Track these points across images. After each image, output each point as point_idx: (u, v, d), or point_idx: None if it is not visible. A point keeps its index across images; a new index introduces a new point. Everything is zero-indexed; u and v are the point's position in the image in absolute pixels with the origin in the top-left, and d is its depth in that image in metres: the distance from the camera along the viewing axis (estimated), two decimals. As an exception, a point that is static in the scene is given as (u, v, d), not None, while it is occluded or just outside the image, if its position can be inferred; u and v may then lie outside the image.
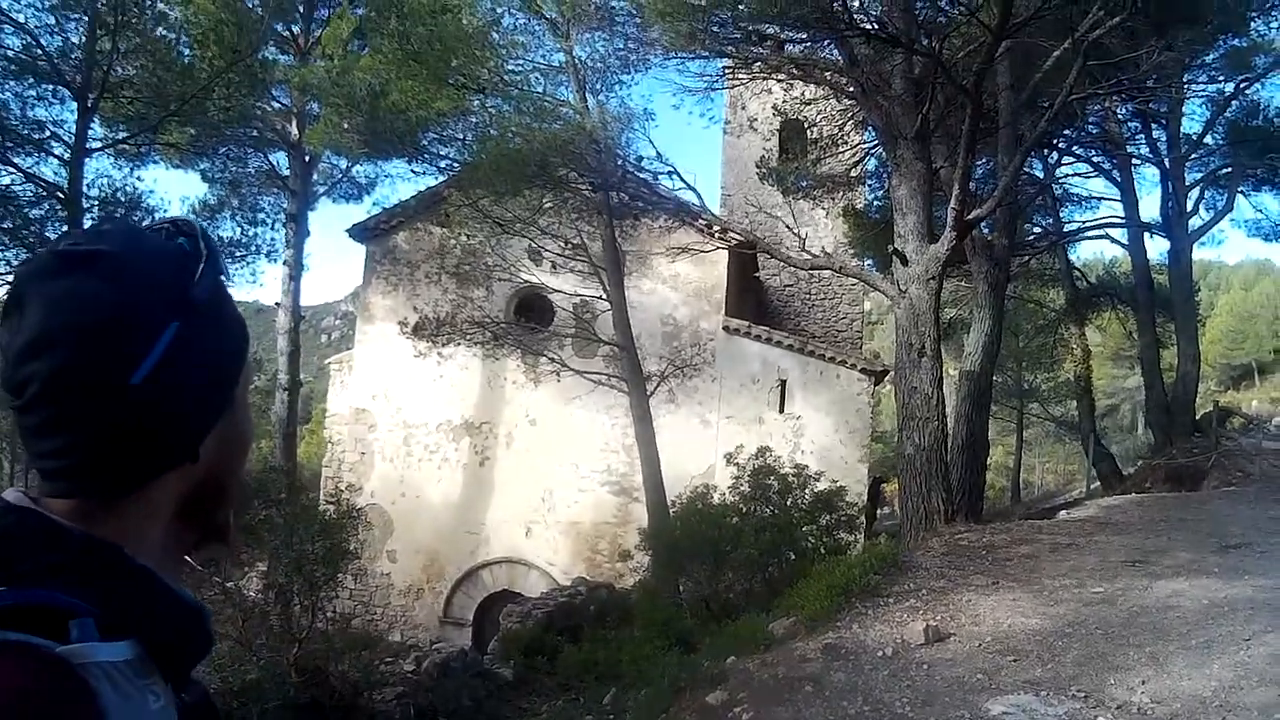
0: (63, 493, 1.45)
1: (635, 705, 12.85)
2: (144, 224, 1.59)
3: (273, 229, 30.38)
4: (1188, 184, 33.18)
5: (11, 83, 22.08)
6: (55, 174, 22.53)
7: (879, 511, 40.52)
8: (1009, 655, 10.77)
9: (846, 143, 28.32)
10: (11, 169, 22.17)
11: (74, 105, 22.19)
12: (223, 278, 1.58)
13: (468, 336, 27.45)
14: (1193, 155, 33.36)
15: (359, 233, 32.07)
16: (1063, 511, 23.08)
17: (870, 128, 26.57)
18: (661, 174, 23.71)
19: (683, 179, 23.16)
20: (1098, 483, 35.79)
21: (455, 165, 25.98)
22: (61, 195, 21.90)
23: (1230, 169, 33.11)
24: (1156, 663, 10.02)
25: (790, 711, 10.20)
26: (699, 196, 24.34)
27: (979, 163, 24.81)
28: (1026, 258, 34.00)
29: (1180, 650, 10.30)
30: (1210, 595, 12.39)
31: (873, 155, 30.18)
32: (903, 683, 10.47)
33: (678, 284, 29.83)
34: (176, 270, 1.49)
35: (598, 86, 23.87)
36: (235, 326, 1.60)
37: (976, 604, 12.92)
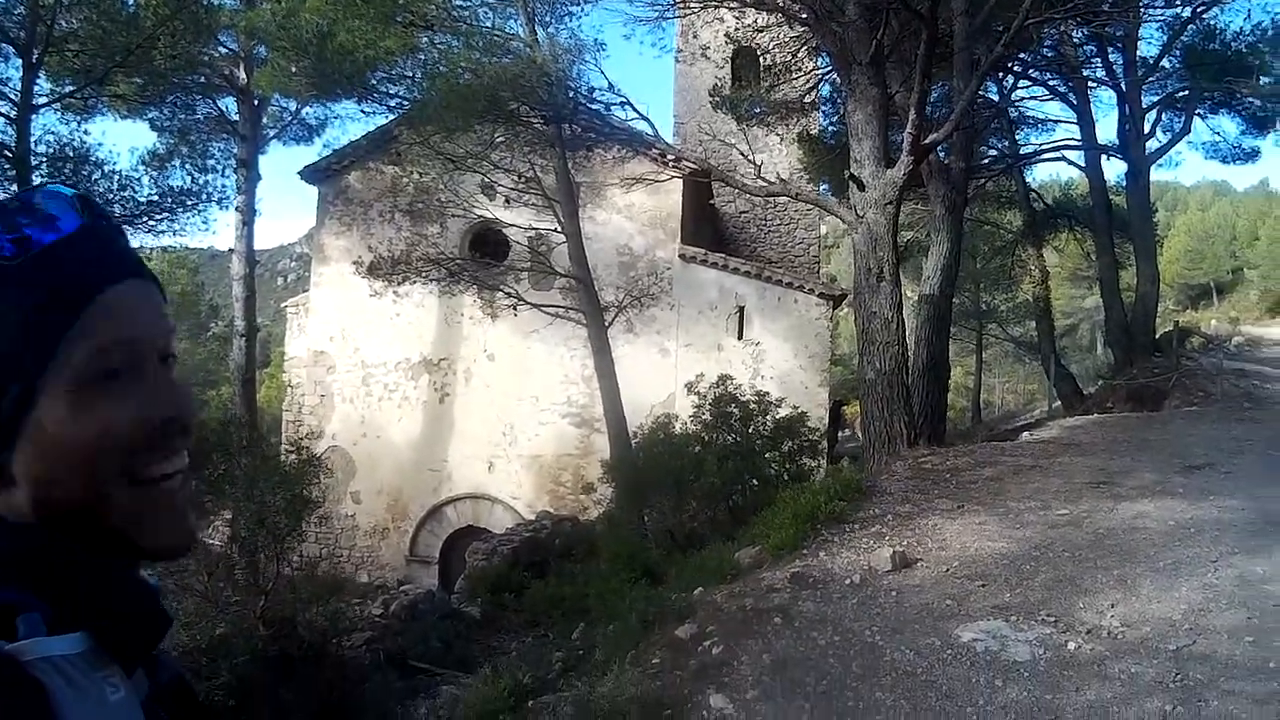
0: None
1: (605, 640, 12.81)
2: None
3: (223, 175, 30.05)
4: (1144, 107, 32.95)
5: (-47, 43, 21.71)
6: (1, 133, 22.30)
7: (840, 434, 40.69)
8: (977, 580, 10.81)
9: (800, 69, 28.25)
10: (-44, 131, 21.99)
11: (18, 62, 21.88)
12: (7, 261, 1.38)
13: (423, 274, 27.35)
14: (1149, 79, 33.25)
15: (310, 174, 32.17)
16: (1025, 433, 23.11)
17: (824, 54, 26.45)
18: (614, 105, 23.60)
19: (635, 109, 23.00)
20: (1059, 403, 35.96)
21: (405, 103, 25.80)
22: (9, 154, 21.67)
23: (1188, 92, 33.11)
24: (1125, 586, 10.06)
25: (760, 643, 10.20)
26: (652, 126, 24.43)
27: (934, 87, 24.73)
28: (983, 180, 33.84)
29: (1148, 573, 10.36)
30: (1176, 516, 12.45)
31: (826, 81, 30.11)
32: (872, 611, 10.50)
33: (633, 214, 29.80)
34: None
35: (547, 19, 23.73)
36: (11, 321, 1.38)
37: (942, 528, 12.96)
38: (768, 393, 21.00)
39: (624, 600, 13.65)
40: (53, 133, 24.05)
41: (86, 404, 1.40)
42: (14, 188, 21.59)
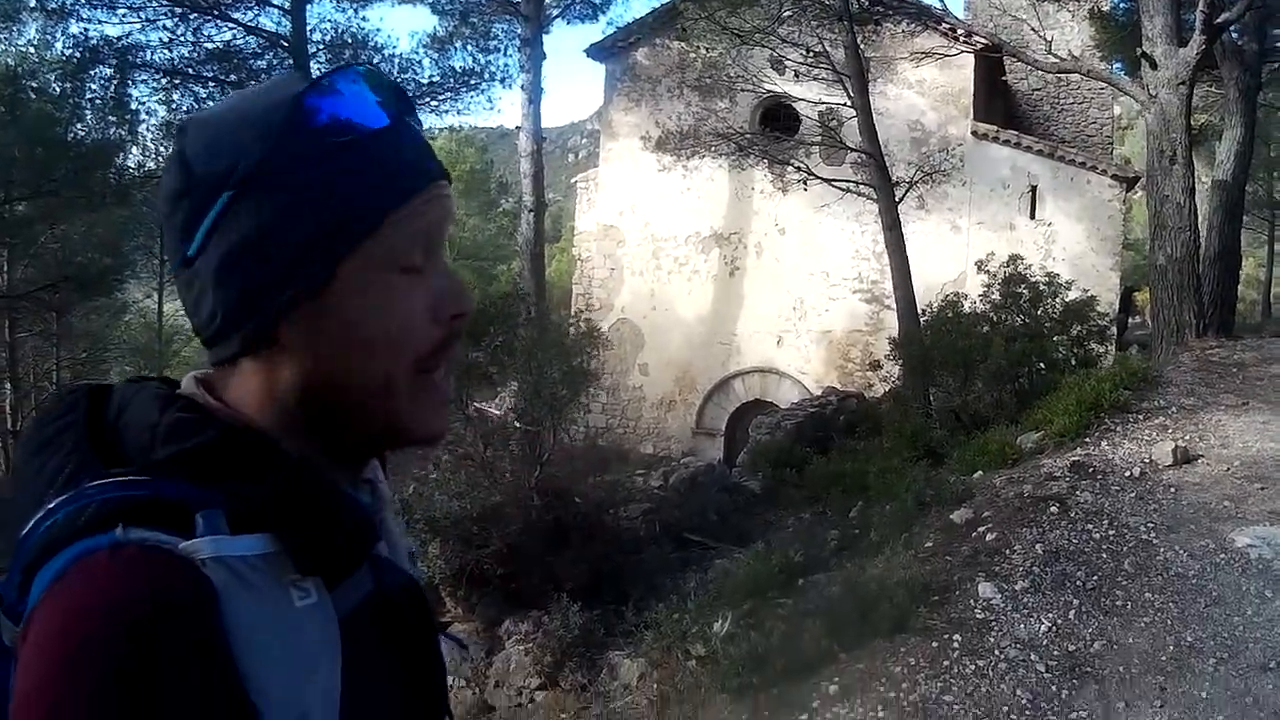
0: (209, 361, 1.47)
1: (879, 520, 12.89)
2: (318, 76, 1.43)
3: (506, 55, 30.49)
4: None
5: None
6: (276, 24, 22.89)
7: (1130, 321, 39.79)
8: (1256, 482, 10.60)
9: (1092, -60, 27.58)
10: (231, 24, 22.61)
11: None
12: (334, 138, 1.39)
13: (712, 148, 27.49)
14: None
15: (597, 52, 32.43)
16: (1316, 329, 22.42)
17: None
18: (901, -24, 23.27)
19: (923, -20, 22.64)
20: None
21: (697, -23, 25.76)
22: (286, 44, 22.21)
23: None
24: None
25: (1034, 533, 10.24)
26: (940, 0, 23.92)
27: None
28: (1276, 64, 32.59)
29: None
30: None
31: (1119, -47, 29.23)
32: (1149, 506, 10.44)
33: (924, 89, 29.35)
34: (254, 136, 1.37)
35: (834, -113, 23.33)
36: (337, 198, 1.39)
37: (1225, 425, 12.68)
38: (1058, 274, 20.67)
39: (903, 480, 13.74)
40: (329, 21, 24.63)
41: (390, 293, 1.43)
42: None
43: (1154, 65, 18.47)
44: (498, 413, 17.19)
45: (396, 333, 1.45)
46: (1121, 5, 31.13)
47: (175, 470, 1.30)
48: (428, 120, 29.50)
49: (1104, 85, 30.70)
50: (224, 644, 1.22)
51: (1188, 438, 12.23)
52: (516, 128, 32.44)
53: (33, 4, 22.49)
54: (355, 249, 1.40)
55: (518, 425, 16.14)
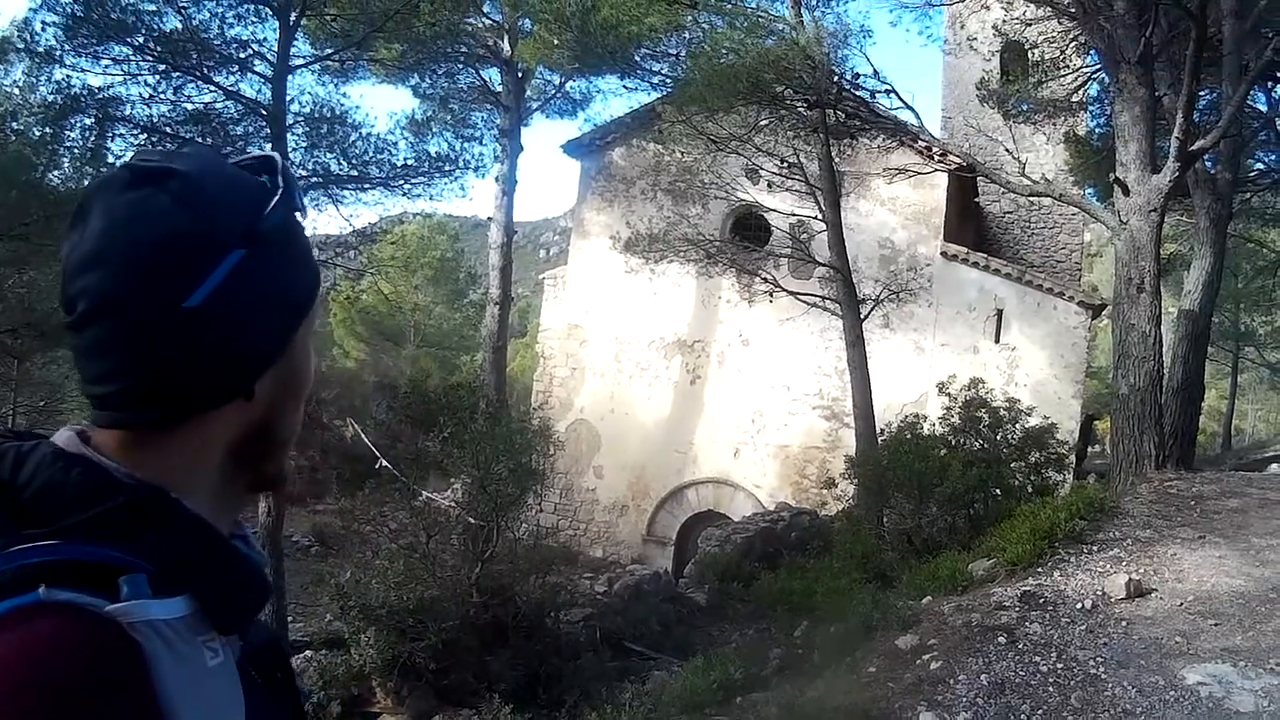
0: (108, 423, 1.43)
1: (824, 641, 12.78)
2: (226, 154, 1.54)
3: (481, 143, 30.59)
4: None
5: (210, 2, 22.43)
6: (256, 92, 22.93)
7: (1089, 449, 39.84)
8: (1209, 618, 10.36)
9: (1068, 66, 27.55)
10: (211, 87, 22.66)
11: (275, 24, 22.51)
12: (298, 215, 1.56)
13: (681, 254, 27.53)
14: None
15: (574, 149, 32.48)
16: (1275, 465, 22.39)
17: (1092, 51, 25.87)
18: (879, 92, 23.27)
19: (900, 98, 22.60)
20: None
21: (668, 81, 25.96)
22: (265, 112, 22.22)
23: None
24: (1364, 642, 9.57)
25: (980, 662, 10.04)
26: (917, 117, 23.95)
27: (1202, 93, 23.94)
28: (1249, 195, 32.47)
29: (1391, 632, 9.83)
30: None
31: (1094, 80, 29.19)
32: (1099, 640, 10.23)
33: (896, 207, 29.40)
34: (249, 200, 1.46)
35: (813, 2, 23.54)
36: (305, 267, 1.57)
37: (1181, 558, 12.47)
38: (1019, 400, 20.60)
39: (851, 601, 13.60)
40: (309, 93, 24.82)
41: (310, 353, 1.62)
42: (268, 145, 22.16)
43: (1126, 191, 18.44)
44: (447, 504, 17.07)
45: (306, 389, 1.63)
46: (1097, 130, 31.24)
47: (89, 532, 1.30)
48: (400, 203, 29.62)
49: (1076, 211, 30.87)
50: (156, 706, 1.23)
51: (1142, 571, 12.04)
52: (488, 219, 32.59)
53: (21, 45, 22.55)
54: (310, 308, 1.57)
55: (469, 520, 15.99)
